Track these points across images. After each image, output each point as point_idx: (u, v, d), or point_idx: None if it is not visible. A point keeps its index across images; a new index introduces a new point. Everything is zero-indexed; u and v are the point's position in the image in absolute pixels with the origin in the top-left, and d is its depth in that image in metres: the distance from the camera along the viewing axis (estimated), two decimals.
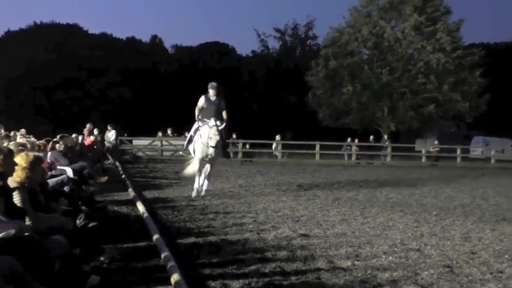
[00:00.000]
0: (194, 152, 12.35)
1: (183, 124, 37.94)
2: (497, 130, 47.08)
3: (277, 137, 31.41)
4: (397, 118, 42.21)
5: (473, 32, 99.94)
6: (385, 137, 37.21)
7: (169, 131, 30.06)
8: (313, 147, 30.62)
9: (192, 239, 7.36)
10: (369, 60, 43.74)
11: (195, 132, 12.35)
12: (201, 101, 12.09)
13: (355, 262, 6.39)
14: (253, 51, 67.18)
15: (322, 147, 30.74)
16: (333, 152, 31.50)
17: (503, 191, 15.90)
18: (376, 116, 43.20)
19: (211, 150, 11.53)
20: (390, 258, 6.65)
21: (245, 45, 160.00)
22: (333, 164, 27.79)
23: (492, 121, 49.95)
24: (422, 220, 9.76)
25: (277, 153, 30.82)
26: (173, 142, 28.94)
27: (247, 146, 31.05)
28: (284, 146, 32.03)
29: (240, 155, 29.01)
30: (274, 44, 64.05)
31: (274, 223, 8.86)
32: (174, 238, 7.36)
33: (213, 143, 11.46)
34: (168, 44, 73.35)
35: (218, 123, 11.59)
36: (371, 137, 33.62)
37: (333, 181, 17.55)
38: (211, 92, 11.98)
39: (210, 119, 11.71)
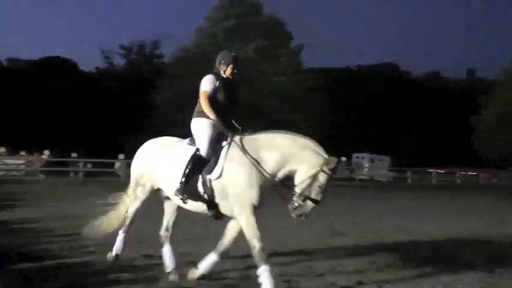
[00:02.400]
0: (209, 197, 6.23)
1: (19, 142, 35.59)
2: (336, 152, 50.12)
3: (121, 156, 30.76)
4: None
5: (312, 57, 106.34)
6: None
7: (2, 149, 28.11)
8: None
9: (27, 265, 6.91)
10: None
11: (215, 150, 6.25)
12: (211, 83, 6.46)
13: (200, 281, 6.41)
14: (97, 68, 65.39)
15: None
16: None
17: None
18: None
19: (308, 207, 5.92)
20: (232, 275, 6.78)
21: (89, 62, 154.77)
22: None
23: (331, 142, 53.30)
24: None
25: (120, 173, 30.11)
26: (7, 161, 27.09)
27: (89, 166, 30.06)
28: (130, 165, 31.42)
29: (81, 174, 28.00)
30: (119, 61, 62.86)
31: None
32: (7, 264, 6.85)
33: (319, 196, 5.90)
34: (2, 57, 68.22)
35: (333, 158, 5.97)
36: None
37: None
38: (229, 71, 6.58)
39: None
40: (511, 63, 47.72)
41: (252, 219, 6.01)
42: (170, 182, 6.40)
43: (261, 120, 42.72)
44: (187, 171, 6.19)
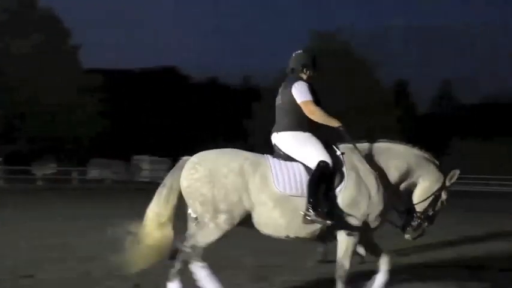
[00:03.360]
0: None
1: None
2: (118, 153, 49.05)
3: None
4: (11, 141, 40.53)
5: (92, 58, 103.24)
6: None
7: None
8: None
9: None
10: None
11: (340, 171, 5.26)
12: (310, 90, 5.46)
13: None
14: None
15: None
16: None
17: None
18: None
19: (425, 226, 5.54)
20: None
21: None
22: None
23: (111, 144, 52.08)
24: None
25: None
26: None
27: None
28: None
29: None
30: None
31: None
32: None
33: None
34: None
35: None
36: None
37: None
38: (313, 75, 5.69)
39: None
40: (282, 72, 51.79)
41: (357, 240, 5.24)
42: (280, 205, 5.14)
43: (41, 120, 40.32)
44: (313, 188, 5.05)
